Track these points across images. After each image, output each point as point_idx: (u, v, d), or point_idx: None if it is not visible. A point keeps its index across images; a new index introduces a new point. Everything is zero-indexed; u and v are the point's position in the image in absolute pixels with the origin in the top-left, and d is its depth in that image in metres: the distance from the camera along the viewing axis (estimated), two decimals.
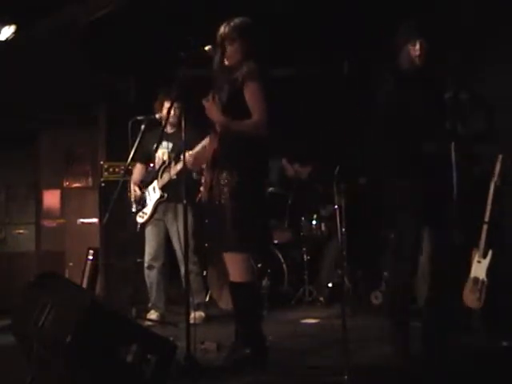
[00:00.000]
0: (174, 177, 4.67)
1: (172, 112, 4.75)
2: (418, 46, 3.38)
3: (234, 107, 3.34)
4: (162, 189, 4.82)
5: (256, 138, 3.33)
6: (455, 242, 4.01)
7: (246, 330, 3.40)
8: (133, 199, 4.96)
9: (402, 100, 3.38)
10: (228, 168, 3.34)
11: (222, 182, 3.33)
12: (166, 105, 4.83)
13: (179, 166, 4.60)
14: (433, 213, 3.42)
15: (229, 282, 3.44)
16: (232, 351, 3.39)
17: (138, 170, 5.06)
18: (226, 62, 3.43)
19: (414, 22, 3.49)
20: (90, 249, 4.65)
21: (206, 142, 4.14)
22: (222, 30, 3.42)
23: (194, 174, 4.72)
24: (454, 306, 3.89)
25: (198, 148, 4.41)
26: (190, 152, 4.49)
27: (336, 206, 3.60)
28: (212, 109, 3.37)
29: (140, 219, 4.93)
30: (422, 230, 3.47)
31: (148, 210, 4.89)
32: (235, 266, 3.37)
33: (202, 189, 3.62)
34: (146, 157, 4.94)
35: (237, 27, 3.39)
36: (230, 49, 3.40)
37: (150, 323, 4.62)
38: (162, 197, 4.82)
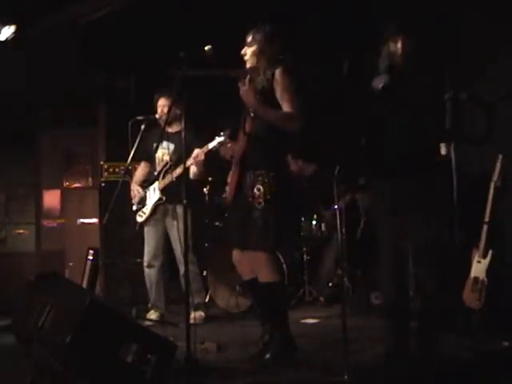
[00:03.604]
0: (175, 180, 4.67)
1: (163, 110, 4.76)
2: (399, 44, 3.39)
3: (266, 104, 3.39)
4: (162, 191, 4.81)
5: (286, 130, 3.38)
6: (455, 242, 4.03)
7: (273, 329, 3.41)
8: (134, 198, 4.95)
9: (380, 101, 3.38)
10: (264, 169, 3.38)
11: (258, 184, 3.37)
12: (160, 102, 4.83)
13: (180, 169, 4.60)
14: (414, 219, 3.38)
15: (261, 282, 3.43)
16: (258, 354, 3.40)
17: (142, 169, 5.05)
18: (256, 63, 3.50)
19: (396, 20, 3.50)
20: (89, 249, 4.65)
21: (220, 139, 4.16)
22: (250, 35, 3.51)
23: (191, 174, 4.71)
24: (451, 306, 3.90)
25: (210, 146, 4.40)
26: (200, 149, 4.49)
27: (336, 206, 3.59)
28: (248, 93, 3.40)
29: (139, 218, 4.93)
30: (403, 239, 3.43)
31: (147, 210, 4.89)
32: (266, 266, 3.39)
33: (227, 189, 3.62)
34: (150, 155, 4.94)
35: (256, 34, 3.49)
36: (254, 53, 3.49)
37: (149, 323, 4.62)
38: (160, 199, 4.82)
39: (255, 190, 3.37)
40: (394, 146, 3.33)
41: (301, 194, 5.89)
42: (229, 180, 3.57)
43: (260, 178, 3.37)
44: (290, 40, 3.57)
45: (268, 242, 3.37)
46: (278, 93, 3.39)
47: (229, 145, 3.74)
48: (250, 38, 3.51)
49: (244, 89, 3.41)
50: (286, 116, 3.37)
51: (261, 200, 3.35)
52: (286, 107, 3.37)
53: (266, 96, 3.40)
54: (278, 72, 3.40)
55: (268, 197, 3.34)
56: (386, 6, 4.95)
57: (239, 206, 3.46)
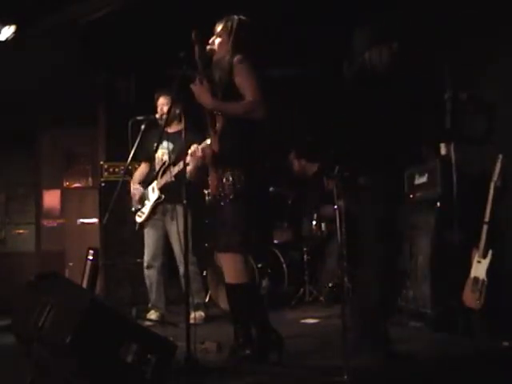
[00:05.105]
0: (173, 179, 4.65)
1: (163, 108, 4.75)
2: (388, 50, 3.36)
3: (231, 98, 3.31)
4: (161, 190, 4.81)
5: (252, 120, 3.27)
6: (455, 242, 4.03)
7: (243, 330, 3.40)
8: (133, 197, 4.95)
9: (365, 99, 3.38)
10: (231, 168, 3.33)
11: (226, 182, 3.33)
12: (160, 101, 4.83)
13: (177, 167, 4.60)
14: None
15: (226, 283, 3.44)
16: (232, 352, 3.40)
17: (141, 169, 5.05)
18: (216, 56, 3.41)
19: (379, 25, 3.48)
20: (89, 249, 4.67)
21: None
22: (218, 24, 3.44)
23: (187, 174, 4.68)
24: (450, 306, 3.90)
25: (207, 142, 4.39)
26: (197, 145, 4.47)
27: (336, 206, 3.59)
28: (201, 92, 3.30)
29: (138, 218, 4.93)
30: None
31: (146, 209, 4.89)
32: (230, 266, 3.37)
33: (209, 190, 3.62)
34: (149, 156, 4.94)
35: (227, 23, 3.40)
36: (221, 44, 3.40)
37: (149, 323, 4.62)
38: (159, 198, 4.82)
39: (221, 190, 3.33)
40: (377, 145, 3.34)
41: (300, 194, 5.90)
42: (209, 181, 3.55)
43: (227, 177, 3.32)
44: (262, 33, 3.47)
45: (231, 243, 3.32)
46: (238, 81, 3.26)
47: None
48: (218, 28, 3.42)
49: (196, 88, 3.30)
50: (246, 106, 3.23)
51: (227, 200, 3.31)
52: (247, 96, 3.24)
53: (226, 87, 3.30)
54: (235, 60, 3.28)
55: (232, 197, 3.29)
56: (386, 6, 4.95)
57: (216, 206, 3.44)
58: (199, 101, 3.34)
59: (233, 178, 3.30)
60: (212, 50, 3.41)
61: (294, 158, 6.01)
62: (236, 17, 3.43)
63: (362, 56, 3.39)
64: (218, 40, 3.43)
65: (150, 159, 4.96)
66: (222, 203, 3.33)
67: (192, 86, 3.33)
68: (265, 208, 3.46)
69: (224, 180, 3.33)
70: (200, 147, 4.41)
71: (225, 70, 3.33)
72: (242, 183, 3.29)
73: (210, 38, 3.44)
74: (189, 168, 4.61)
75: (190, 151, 4.39)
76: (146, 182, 4.98)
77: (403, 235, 4.13)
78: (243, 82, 3.25)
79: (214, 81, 3.42)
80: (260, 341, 3.39)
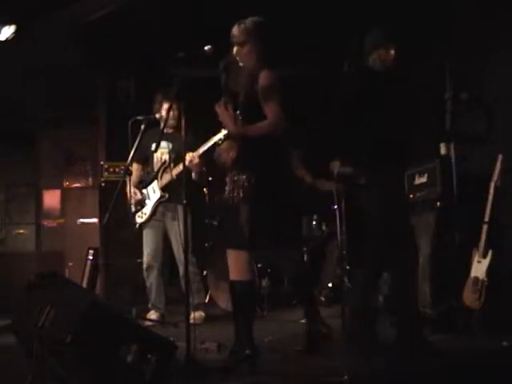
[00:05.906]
0: (175, 177, 4.66)
1: (171, 113, 4.75)
2: (392, 52, 3.43)
3: (252, 109, 3.33)
4: (163, 189, 4.81)
5: (272, 136, 3.32)
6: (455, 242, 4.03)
7: (244, 329, 3.40)
8: (132, 201, 4.94)
9: (373, 96, 3.39)
10: (245, 170, 3.35)
11: (239, 184, 3.35)
12: (165, 105, 4.83)
13: (180, 166, 4.60)
14: None
15: (229, 280, 3.45)
16: (232, 352, 3.39)
17: (136, 171, 5.05)
18: (241, 64, 3.38)
19: (386, 28, 3.53)
20: (89, 249, 4.69)
21: (216, 139, 4.16)
22: (234, 30, 3.36)
23: (193, 175, 4.72)
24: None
25: (204, 148, 4.41)
26: (193, 153, 4.51)
27: (336, 206, 3.60)
28: (225, 117, 3.33)
29: (139, 219, 4.93)
30: None
31: (147, 210, 4.88)
32: (236, 263, 3.39)
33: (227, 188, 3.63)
34: (143, 157, 4.94)
35: (248, 28, 3.34)
36: (242, 51, 3.35)
37: (149, 323, 4.62)
38: (162, 197, 4.81)
39: (235, 191, 3.35)
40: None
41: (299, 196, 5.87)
42: (227, 183, 3.56)
43: (242, 180, 3.34)
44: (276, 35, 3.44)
45: (239, 241, 3.35)
46: (261, 97, 3.28)
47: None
48: (236, 34, 3.34)
49: (220, 112, 3.32)
50: (269, 128, 3.29)
51: (237, 201, 3.34)
52: (268, 115, 3.28)
53: (248, 94, 3.31)
54: (262, 75, 3.29)
55: (243, 198, 3.32)
56: (385, 6, 4.95)
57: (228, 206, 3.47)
58: (223, 125, 3.39)
59: (247, 181, 3.33)
60: (234, 59, 3.39)
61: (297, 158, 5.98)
62: (251, 20, 3.36)
63: (365, 58, 3.42)
64: (237, 47, 3.36)
65: (144, 160, 4.97)
66: (235, 203, 3.36)
67: (216, 108, 3.34)
68: (277, 209, 3.44)
69: (239, 182, 3.35)
70: (196, 155, 4.47)
71: (247, 78, 3.33)
72: (255, 186, 3.32)
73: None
74: (193, 174, 4.65)
75: (187, 159, 4.42)
76: (144, 183, 4.98)
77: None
78: (265, 97, 3.28)
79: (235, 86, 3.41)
80: (310, 332, 3.49)
